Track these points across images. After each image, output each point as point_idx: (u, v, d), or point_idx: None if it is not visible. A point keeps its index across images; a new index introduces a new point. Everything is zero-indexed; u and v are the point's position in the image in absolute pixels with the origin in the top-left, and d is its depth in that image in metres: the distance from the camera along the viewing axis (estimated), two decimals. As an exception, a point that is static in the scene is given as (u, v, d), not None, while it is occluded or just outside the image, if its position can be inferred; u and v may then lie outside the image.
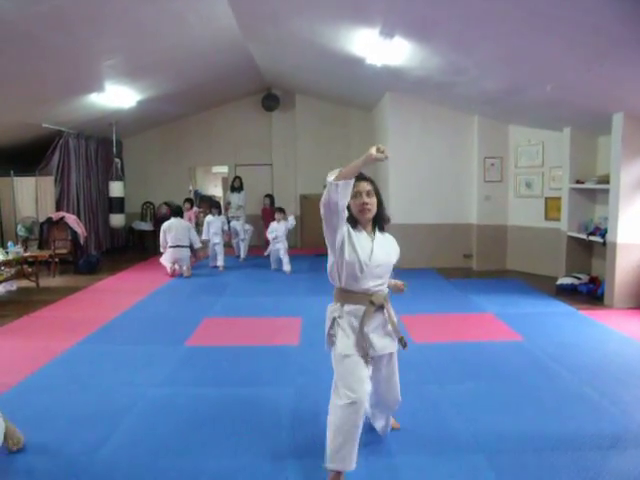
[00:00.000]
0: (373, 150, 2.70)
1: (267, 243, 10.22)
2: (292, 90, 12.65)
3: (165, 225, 9.64)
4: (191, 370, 4.84)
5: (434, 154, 9.88)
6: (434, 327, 6.18)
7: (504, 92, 7.58)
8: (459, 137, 9.83)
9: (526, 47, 5.50)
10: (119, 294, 8.13)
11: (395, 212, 9.89)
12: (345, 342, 3.06)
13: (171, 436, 3.48)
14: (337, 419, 2.87)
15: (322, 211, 2.82)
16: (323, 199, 2.76)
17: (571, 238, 8.06)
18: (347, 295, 3.13)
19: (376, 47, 6.65)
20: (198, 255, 10.55)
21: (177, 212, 9.93)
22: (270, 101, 12.70)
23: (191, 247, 9.77)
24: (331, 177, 2.72)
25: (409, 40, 6.42)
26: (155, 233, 12.86)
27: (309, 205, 12.95)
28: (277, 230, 9.72)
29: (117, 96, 9.33)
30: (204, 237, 10.29)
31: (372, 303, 3.07)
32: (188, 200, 11.65)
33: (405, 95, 9.70)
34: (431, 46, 6.58)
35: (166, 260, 9.60)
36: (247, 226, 11.11)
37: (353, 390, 2.88)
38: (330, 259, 3.13)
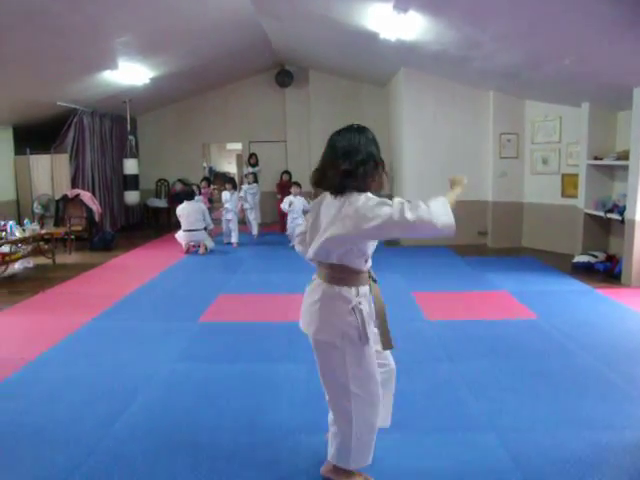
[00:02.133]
0: (465, 180, 2.74)
1: (281, 218, 10.17)
2: (305, 66, 12.54)
3: (178, 210, 9.63)
4: (205, 346, 4.87)
5: (449, 130, 9.77)
6: (448, 305, 6.16)
7: (520, 66, 7.45)
8: (474, 113, 9.70)
9: (543, 19, 5.38)
10: (134, 271, 8.19)
11: (409, 189, 9.84)
12: (370, 332, 2.57)
13: (186, 411, 3.51)
14: (375, 418, 2.66)
15: (399, 228, 2.33)
16: (417, 222, 2.29)
17: (588, 215, 7.96)
18: (360, 276, 2.63)
19: (390, 21, 6.54)
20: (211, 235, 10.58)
21: (189, 195, 9.88)
22: (283, 77, 12.61)
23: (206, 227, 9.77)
24: (445, 216, 2.35)
25: (423, 14, 6.31)
26: (169, 210, 12.92)
27: (323, 182, 12.90)
28: (295, 204, 9.69)
29: (131, 73, 9.29)
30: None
31: (374, 280, 2.73)
32: (205, 179, 11.64)
33: (420, 70, 9.57)
34: (446, 20, 6.46)
35: (181, 239, 9.63)
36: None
37: (379, 387, 2.67)
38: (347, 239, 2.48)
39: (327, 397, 2.71)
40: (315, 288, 2.62)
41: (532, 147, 9.40)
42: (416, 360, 4.48)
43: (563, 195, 8.96)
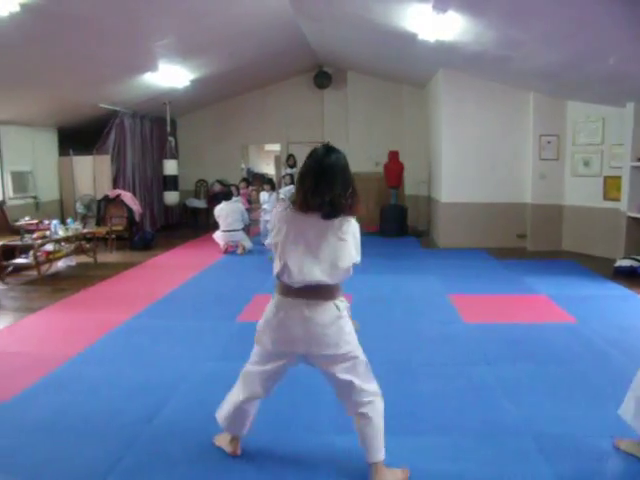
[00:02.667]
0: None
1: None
2: (344, 67, 12.56)
3: (217, 210, 9.74)
4: (242, 345, 4.86)
5: (488, 132, 9.66)
6: (484, 308, 6.10)
7: (562, 66, 7.33)
8: (514, 114, 9.57)
9: (586, 18, 5.29)
10: (173, 270, 8.31)
11: (447, 191, 9.78)
12: None
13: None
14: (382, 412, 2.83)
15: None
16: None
17: (631, 219, 7.79)
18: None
19: (429, 22, 6.51)
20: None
21: (227, 195, 9.96)
22: (322, 79, 12.65)
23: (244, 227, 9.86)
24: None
25: (463, 14, 6.26)
26: (208, 210, 13.06)
27: (360, 183, 12.66)
28: None
29: (171, 75, 9.44)
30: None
31: None
32: (244, 180, 11.73)
33: (459, 71, 9.50)
34: (486, 20, 6.41)
35: (220, 239, 9.73)
36: None
37: None
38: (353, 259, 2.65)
39: (361, 399, 2.75)
40: (305, 309, 2.63)
41: (573, 149, 9.25)
42: (452, 363, 4.46)
43: (605, 198, 8.78)
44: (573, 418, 3.45)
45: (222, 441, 3.12)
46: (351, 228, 2.59)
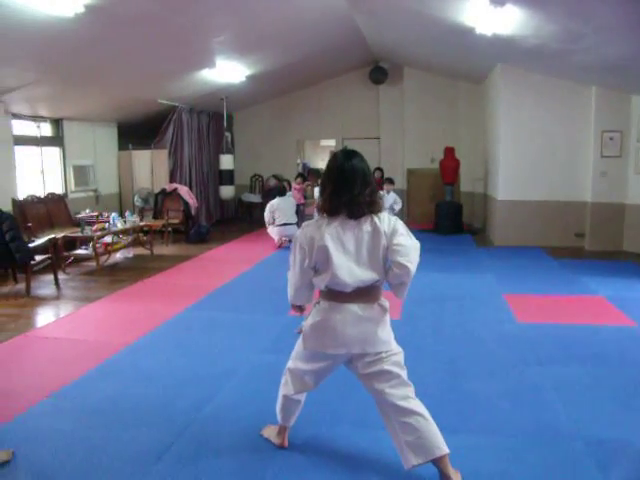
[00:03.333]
0: None
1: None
2: (400, 63, 12.46)
3: (272, 205, 9.83)
4: (293, 339, 4.92)
5: (547, 128, 9.41)
6: (539, 307, 5.97)
7: (627, 59, 7.05)
8: (574, 110, 9.29)
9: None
10: (227, 263, 8.42)
11: (504, 188, 9.60)
12: None
13: (272, 401, 3.56)
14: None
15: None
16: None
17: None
18: None
19: (486, 16, 6.39)
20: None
21: (281, 192, 10.08)
22: (378, 74, 12.57)
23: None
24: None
25: (521, 7, 6.11)
26: (263, 205, 13.18)
27: (416, 179, 12.82)
28: (385, 200, 9.65)
29: (228, 71, 9.57)
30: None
31: None
32: (300, 175, 11.78)
33: (517, 66, 9.28)
34: (545, 12, 6.24)
35: (274, 233, 9.83)
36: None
37: None
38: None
39: (407, 393, 2.75)
40: (356, 311, 2.68)
41: (638, 145, 8.91)
42: (503, 362, 4.39)
43: (671, 197, 8.45)
44: (628, 424, 3.34)
45: (270, 433, 3.16)
46: (385, 224, 2.64)
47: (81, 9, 5.53)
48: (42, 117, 9.58)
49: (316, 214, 2.93)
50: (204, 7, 6.64)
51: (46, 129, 9.82)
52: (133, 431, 3.29)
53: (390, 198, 9.64)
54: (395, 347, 2.81)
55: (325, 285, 2.67)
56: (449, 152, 11.26)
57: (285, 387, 3.00)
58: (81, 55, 7.17)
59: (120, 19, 6.26)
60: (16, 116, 8.85)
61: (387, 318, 2.77)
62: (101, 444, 3.15)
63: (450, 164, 11.24)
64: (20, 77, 7.47)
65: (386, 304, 2.77)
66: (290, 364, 2.99)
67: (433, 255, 8.76)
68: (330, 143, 16.29)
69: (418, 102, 12.61)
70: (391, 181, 9.88)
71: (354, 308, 2.67)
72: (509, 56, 8.82)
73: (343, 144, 13.36)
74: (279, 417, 3.06)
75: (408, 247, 2.63)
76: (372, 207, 2.64)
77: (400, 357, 2.81)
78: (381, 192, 9.78)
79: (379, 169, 11.87)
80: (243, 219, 13.73)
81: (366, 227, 2.61)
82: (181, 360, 4.46)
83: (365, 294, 2.68)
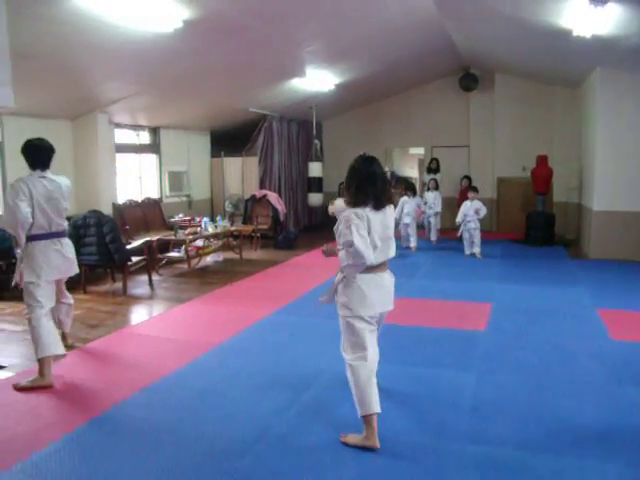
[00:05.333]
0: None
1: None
2: (491, 69, 12.18)
3: (402, 201, 9.94)
4: (380, 345, 4.91)
5: (650, 135, 8.93)
6: (636, 325, 5.64)
7: None
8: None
9: None
10: (314, 269, 8.49)
11: (600, 199, 9.19)
12: None
13: (351, 407, 3.54)
14: None
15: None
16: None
17: None
18: None
19: (585, 16, 6.13)
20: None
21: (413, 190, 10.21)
22: (468, 81, 12.35)
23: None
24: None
25: (625, 5, 5.79)
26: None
27: (506, 188, 12.49)
28: (467, 208, 9.47)
29: (317, 80, 9.70)
30: (395, 216, 10.21)
31: None
32: (385, 182, 11.70)
33: (618, 69, 8.84)
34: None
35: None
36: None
37: None
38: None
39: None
40: (387, 277, 3.39)
41: None
42: (594, 380, 4.17)
43: None
44: None
45: (355, 439, 3.17)
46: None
47: (179, 25, 5.78)
48: (141, 126, 10.06)
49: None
50: (295, 18, 6.78)
51: (144, 137, 10.29)
52: (219, 428, 3.39)
53: (476, 205, 9.40)
54: None
55: (370, 257, 3.11)
56: (542, 160, 10.89)
57: (359, 378, 3.17)
58: (177, 67, 7.48)
59: (215, 32, 6.51)
60: (118, 125, 9.34)
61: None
62: (188, 439, 3.26)
63: (542, 173, 10.87)
64: (122, 89, 7.91)
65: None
66: (350, 357, 3.27)
67: (523, 266, 8.53)
68: (419, 151, 16.13)
69: (510, 109, 12.29)
70: (475, 189, 9.69)
71: (385, 275, 3.37)
72: (609, 58, 8.42)
73: (432, 152, 13.23)
74: (368, 409, 3.12)
75: None
76: (389, 201, 3.32)
77: None
78: (467, 202, 9.60)
79: (467, 177, 11.64)
80: (330, 226, 13.73)
81: (387, 215, 3.29)
82: (267, 363, 4.54)
83: (385, 265, 3.37)
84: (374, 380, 3.19)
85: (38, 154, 4.23)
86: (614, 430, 3.37)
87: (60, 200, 4.27)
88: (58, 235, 4.32)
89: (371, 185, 3.18)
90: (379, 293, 3.28)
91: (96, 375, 4.31)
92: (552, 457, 3.05)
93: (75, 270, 4.53)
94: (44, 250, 4.21)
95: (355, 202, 3.19)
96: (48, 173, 4.25)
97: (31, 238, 4.17)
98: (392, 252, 3.35)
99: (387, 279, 3.36)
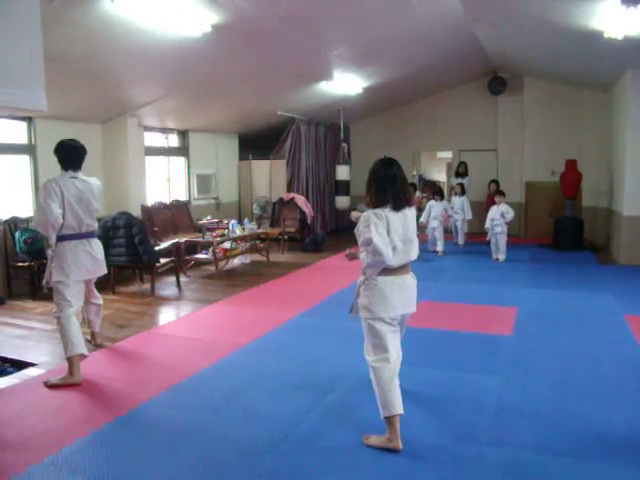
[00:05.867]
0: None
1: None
2: (520, 72, 12.08)
3: (430, 205, 9.98)
4: (403, 349, 4.91)
5: (682, 139, 8.76)
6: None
7: None
8: None
9: None
10: (341, 272, 8.49)
11: (631, 204, 9.05)
12: None
13: (374, 410, 3.54)
14: None
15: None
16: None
17: None
18: None
19: (617, 17, 6.04)
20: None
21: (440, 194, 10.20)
22: (496, 84, 12.28)
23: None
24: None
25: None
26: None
27: (534, 192, 12.37)
28: (494, 212, 9.40)
29: (345, 83, 9.73)
30: (422, 220, 10.14)
31: None
32: (411, 184, 11.68)
33: (650, 72, 8.72)
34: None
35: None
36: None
37: None
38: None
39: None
40: (409, 279, 3.38)
41: None
42: (622, 387, 4.12)
43: None
44: None
45: (378, 441, 3.19)
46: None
47: (208, 29, 5.86)
48: (170, 129, 10.19)
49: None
50: (323, 22, 6.82)
51: (173, 140, 10.43)
52: (243, 427, 3.44)
53: (503, 209, 9.32)
54: None
55: (389, 258, 3.17)
56: (571, 165, 10.76)
57: (382, 380, 3.20)
58: (206, 71, 7.58)
59: (243, 36, 6.57)
60: (147, 128, 9.48)
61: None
62: (212, 437, 3.31)
63: (571, 177, 10.74)
64: (152, 93, 8.04)
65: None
66: (372, 359, 3.31)
67: (550, 271, 8.45)
68: (447, 155, 16.06)
69: (539, 112, 12.17)
70: (502, 194, 9.62)
71: (406, 277, 3.37)
72: (641, 61, 8.29)
73: (460, 156, 13.15)
74: (392, 410, 3.13)
75: None
76: (409, 202, 3.36)
77: None
78: (493, 207, 9.53)
79: (494, 181, 11.54)
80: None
81: (406, 217, 3.31)
82: (292, 364, 4.57)
83: (406, 268, 3.37)
84: (396, 382, 3.20)
85: (70, 154, 4.32)
86: (638, 438, 3.32)
87: (91, 200, 4.36)
88: (88, 236, 4.41)
89: (390, 186, 3.25)
90: (400, 295, 3.30)
91: (124, 374, 4.40)
92: (574, 461, 3.03)
93: (104, 270, 4.62)
94: (74, 250, 4.30)
95: (375, 203, 3.27)
96: (80, 174, 4.35)
97: (61, 238, 4.26)
98: (414, 254, 3.36)
99: (409, 281, 3.37)
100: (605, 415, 3.60)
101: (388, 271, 3.23)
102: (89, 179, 4.42)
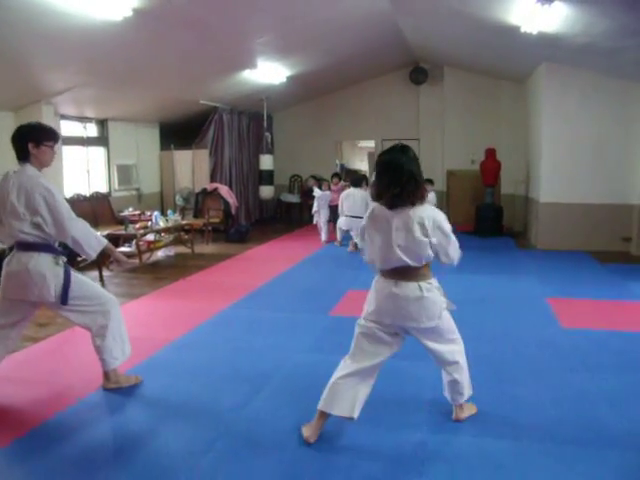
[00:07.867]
0: None
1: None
2: (440, 63, 12.32)
3: (344, 194, 9.55)
4: (334, 339, 4.89)
5: (594, 130, 9.16)
6: (584, 313, 5.83)
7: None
8: (626, 110, 9.00)
9: None
10: (267, 263, 8.45)
11: (546, 191, 9.43)
12: None
13: (314, 400, 3.54)
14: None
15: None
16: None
17: None
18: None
19: (532, 14, 6.26)
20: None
21: (356, 182, 9.73)
22: (418, 74, 12.49)
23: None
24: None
25: (570, 4, 5.95)
26: (302, 205, 13.25)
27: (456, 181, 12.70)
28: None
29: (269, 72, 9.62)
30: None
31: None
32: (336, 175, 11.71)
33: (563, 65, 9.07)
34: (597, 9, 6.05)
35: (342, 224, 9.57)
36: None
37: None
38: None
39: (444, 357, 3.21)
40: (406, 288, 2.99)
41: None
42: (549, 368, 4.28)
43: None
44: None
45: (306, 430, 3.18)
46: (426, 213, 2.97)
47: (129, 13, 5.63)
48: (88, 118, 9.78)
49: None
50: (246, 9, 6.69)
51: (92, 129, 10.02)
52: (178, 427, 3.33)
53: (431, 197, 9.46)
54: (433, 325, 3.08)
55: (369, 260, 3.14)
56: (490, 153, 11.10)
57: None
58: (126, 57, 7.30)
59: (165, 22, 6.35)
60: (64, 117, 9.06)
61: (425, 300, 3.02)
62: (146, 438, 3.19)
63: (491, 166, 11.08)
64: (69, 80, 7.66)
65: (426, 286, 3.06)
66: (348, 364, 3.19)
67: (473, 257, 8.64)
68: (369, 144, 16.22)
69: (458, 102, 12.46)
70: (431, 182, 9.78)
71: (391, 284, 3.03)
72: (555, 54, 8.61)
73: (382, 145, 13.28)
74: (320, 403, 3.15)
75: None
76: (412, 199, 2.92)
77: (441, 332, 3.19)
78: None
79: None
80: (282, 219, 13.78)
81: (405, 217, 2.93)
82: (224, 357, 4.48)
83: (400, 274, 3.00)
84: (340, 382, 3.12)
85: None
86: (569, 415, 3.44)
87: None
88: None
89: (383, 176, 2.97)
90: (387, 302, 3.01)
91: (44, 377, 4.15)
92: (513, 443, 3.10)
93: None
94: None
95: (372, 196, 3.09)
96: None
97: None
98: (408, 259, 2.93)
99: (405, 290, 2.97)
100: (539, 397, 3.71)
101: (381, 272, 3.10)
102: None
